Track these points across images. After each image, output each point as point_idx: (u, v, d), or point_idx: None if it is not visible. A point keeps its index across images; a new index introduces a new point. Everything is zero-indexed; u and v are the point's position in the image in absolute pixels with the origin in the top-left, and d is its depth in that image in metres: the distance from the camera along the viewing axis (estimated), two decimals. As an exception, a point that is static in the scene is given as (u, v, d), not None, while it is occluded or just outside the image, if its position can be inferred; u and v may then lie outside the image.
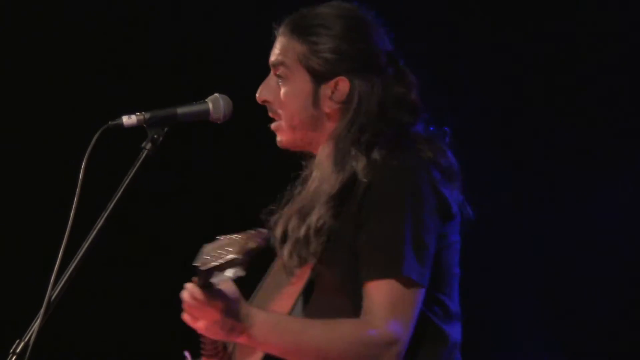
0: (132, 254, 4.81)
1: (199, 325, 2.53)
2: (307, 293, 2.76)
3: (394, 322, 2.57)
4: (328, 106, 2.78)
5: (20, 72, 4.98)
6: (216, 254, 2.45)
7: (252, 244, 2.42)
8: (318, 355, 2.58)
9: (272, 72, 2.85)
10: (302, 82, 2.80)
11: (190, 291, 2.50)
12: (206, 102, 2.84)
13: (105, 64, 4.96)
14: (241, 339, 2.58)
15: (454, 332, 2.70)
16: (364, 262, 2.62)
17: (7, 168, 4.96)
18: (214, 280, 2.46)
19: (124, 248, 4.72)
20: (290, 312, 2.69)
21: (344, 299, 2.66)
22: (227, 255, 2.43)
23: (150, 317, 4.18)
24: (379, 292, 2.58)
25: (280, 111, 2.81)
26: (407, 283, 2.59)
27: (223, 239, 2.49)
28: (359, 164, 2.69)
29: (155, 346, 3.23)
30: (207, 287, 2.47)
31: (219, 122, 2.84)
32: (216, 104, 2.83)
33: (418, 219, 2.64)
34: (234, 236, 2.47)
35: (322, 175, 2.76)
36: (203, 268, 2.44)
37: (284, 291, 2.73)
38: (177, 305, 2.62)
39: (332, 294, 2.70)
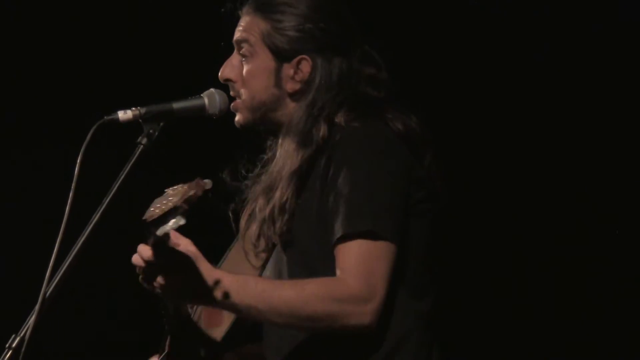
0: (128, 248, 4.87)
1: (156, 286, 2.47)
2: (272, 271, 2.77)
3: (367, 277, 2.52)
4: (290, 86, 2.77)
5: (15, 66, 4.95)
6: (161, 206, 2.41)
7: (192, 192, 2.38)
8: (290, 314, 2.52)
9: (235, 51, 2.83)
10: (265, 60, 2.79)
11: (140, 250, 2.45)
12: (202, 97, 2.84)
13: (101, 57, 4.93)
14: (205, 302, 2.53)
15: (423, 305, 2.66)
16: (333, 223, 2.57)
17: (2, 163, 4.95)
18: (158, 232, 2.39)
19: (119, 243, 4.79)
20: (259, 274, 2.69)
21: (308, 276, 2.61)
22: (169, 204, 2.39)
23: (146, 311, 4.18)
24: (350, 251, 2.54)
25: (242, 90, 2.80)
26: (378, 239, 2.54)
27: (168, 190, 2.47)
28: (321, 133, 2.68)
29: (151, 340, 3.24)
30: (159, 244, 2.42)
31: (214, 117, 2.84)
32: (212, 99, 2.83)
33: (384, 176, 2.61)
34: (177, 186, 2.46)
35: (285, 154, 2.74)
36: (149, 219, 2.39)
37: (251, 258, 2.73)
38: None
39: (296, 271, 2.67)
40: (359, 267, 2.52)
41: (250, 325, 2.74)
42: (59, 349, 4.46)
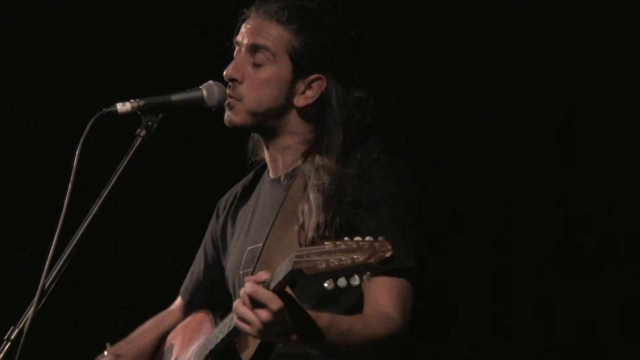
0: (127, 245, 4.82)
1: (254, 328, 2.43)
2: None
3: (404, 314, 2.65)
4: (299, 101, 2.82)
5: (13, 60, 4.94)
6: (332, 259, 2.34)
7: (385, 253, 2.31)
8: (358, 351, 2.60)
9: (244, 53, 2.85)
10: (283, 71, 2.83)
11: (259, 295, 2.40)
12: (200, 89, 2.84)
13: (98, 50, 4.93)
14: (294, 343, 2.52)
15: None
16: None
17: (3, 155, 4.93)
18: (328, 285, 2.32)
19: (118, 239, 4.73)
20: None
21: (312, 294, 2.63)
22: (351, 262, 2.32)
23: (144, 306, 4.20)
24: (390, 286, 2.65)
25: (245, 94, 2.82)
26: (411, 277, 2.69)
27: (329, 243, 2.36)
28: (358, 156, 2.74)
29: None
30: (283, 293, 2.39)
31: (213, 110, 2.84)
32: (210, 91, 2.84)
33: (417, 219, 2.72)
34: (349, 242, 2.35)
35: (320, 169, 2.76)
36: (310, 272, 2.31)
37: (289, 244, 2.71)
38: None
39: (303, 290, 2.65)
40: (399, 304, 2.64)
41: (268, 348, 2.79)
42: (56, 340, 4.44)
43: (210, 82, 2.85)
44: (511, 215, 4.63)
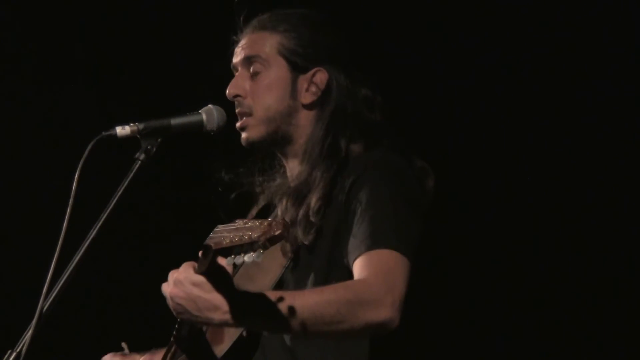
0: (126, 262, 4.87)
1: (177, 302, 2.48)
2: (291, 272, 2.81)
3: (384, 279, 2.55)
4: (305, 98, 2.83)
5: (17, 80, 4.98)
6: (233, 236, 2.41)
7: (275, 231, 2.37)
8: (324, 322, 2.51)
9: (240, 70, 2.88)
10: (281, 70, 2.86)
11: (180, 271, 2.47)
12: (200, 113, 2.86)
13: (99, 72, 4.97)
14: (238, 323, 2.53)
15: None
16: (357, 240, 2.61)
17: (3, 177, 4.96)
18: (227, 261, 2.39)
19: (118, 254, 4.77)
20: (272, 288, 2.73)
21: (323, 280, 2.67)
22: (247, 237, 2.39)
23: (145, 330, 4.22)
24: (371, 262, 2.58)
25: (252, 106, 2.85)
26: (399, 255, 2.58)
27: (239, 222, 2.46)
28: (345, 149, 2.77)
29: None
30: (212, 267, 2.43)
31: (212, 134, 2.85)
32: (210, 115, 2.85)
33: (406, 206, 2.66)
34: (254, 221, 2.44)
35: (313, 163, 2.79)
36: (216, 247, 2.39)
37: (265, 271, 2.76)
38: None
39: (314, 277, 2.72)
40: (380, 270, 2.55)
41: (247, 345, 2.77)
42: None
43: (210, 106, 2.86)
44: (511, 215, 4.66)
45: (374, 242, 2.60)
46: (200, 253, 2.44)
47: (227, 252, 2.39)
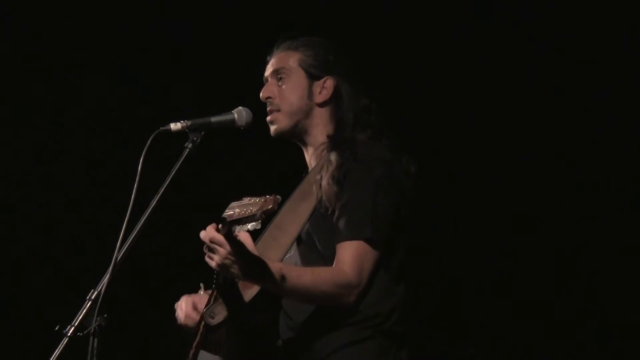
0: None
1: (215, 263, 2.90)
2: (297, 247, 3.22)
3: (359, 271, 3.07)
4: (318, 98, 3.29)
5: (87, 88, 5.38)
6: (240, 210, 2.81)
7: (269, 205, 2.79)
8: (307, 294, 3.04)
9: (270, 79, 3.33)
10: (300, 78, 3.32)
11: (212, 236, 2.86)
12: (232, 113, 3.24)
13: (155, 83, 5.32)
14: (250, 280, 2.98)
15: (399, 289, 3.20)
16: (341, 227, 3.09)
17: (85, 166, 5.41)
18: (236, 229, 2.78)
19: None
20: (281, 259, 3.14)
21: (317, 252, 3.16)
22: (249, 211, 2.79)
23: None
24: (351, 249, 3.07)
25: (280, 104, 3.29)
26: (371, 245, 3.09)
27: (245, 199, 2.86)
28: (349, 145, 3.19)
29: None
30: (229, 236, 2.79)
31: (242, 129, 3.26)
32: (240, 115, 3.25)
33: (384, 195, 3.11)
34: (255, 198, 2.84)
35: (323, 151, 3.23)
36: (229, 219, 2.79)
37: (278, 244, 3.17)
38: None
39: (307, 258, 3.18)
40: (356, 262, 3.06)
41: (273, 296, 3.12)
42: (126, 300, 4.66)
43: (240, 107, 3.26)
44: (511, 216, 4.90)
45: (353, 232, 3.05)
46: (218, 224, 2.84)
47: (236, 222, 2.84)
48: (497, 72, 4.93)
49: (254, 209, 2.79)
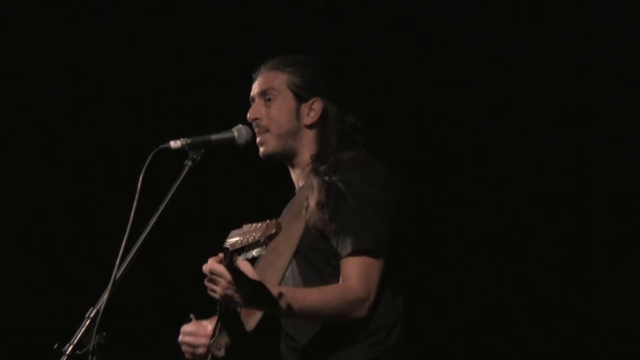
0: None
1: (218, 294, 2.92)
2: (296, 269, 3.20)
3: (367, 285, 3.06)
4: (306, 119, 3.28)
5: (87, 107, 5.38)
6: (242, 238, 2.79)
7: (272, 230, 2.76)
8: (317, 314, 3.04)
9: (257, 99, 3.31)
10: (288, 99, 3.29)
11: (212, 267, 2.88)
12: (232, 131, 3.25)
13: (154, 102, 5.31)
14: (254, 307, 2.99)
15: (399, 302, 3.20)
16: (342, 240, 3.08)
17: (84, 182, 5.39)
18: (241, 257, 2.78)
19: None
20: (280, 281, 3.14)
21: (315, 272, 3.16)
22: (252, 238, 2.78)
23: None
24: (356, 263, 3.06)
25: (268, 124, 3.28)
26: (376, 257, 3.08)
27: (245, 226, 2.85)
28: (336, 163, 3.17)
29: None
30: (230, 265, 2.82)
31: (241, 147, 3.27)
32: (240, 133, 3.26)
33: (383, 204, 3.12)
34: (256, 224, 2.83)
35: (311, 172, 3.21)
36: (232, 248, 2.79)
37: (275, 267, 3.17)
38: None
39: (305, 276, 3.18)
40: (362, 276, 3.06)
41: (274, 320, 3.12)
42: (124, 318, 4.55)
43: (240, 125, 3.26)
44: (511, 216, 4.82)
45: (356, 245, 3.05)
46: (221, 254, 2.86)
47: (240, 251, 2.83)
48: (496, 72, 4.91)
49: (257, 235, 2.78)
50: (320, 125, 3.30)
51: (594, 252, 4.73)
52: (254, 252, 2.79)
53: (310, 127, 3.30)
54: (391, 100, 4.93)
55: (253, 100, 3.37)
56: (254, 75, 3.38)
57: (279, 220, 2.83)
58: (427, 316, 4.68)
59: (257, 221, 2.84)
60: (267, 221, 2.80)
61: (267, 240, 2.77)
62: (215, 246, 2.95)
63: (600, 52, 4.69)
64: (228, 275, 2.87)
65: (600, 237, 4.73)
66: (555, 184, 4.79)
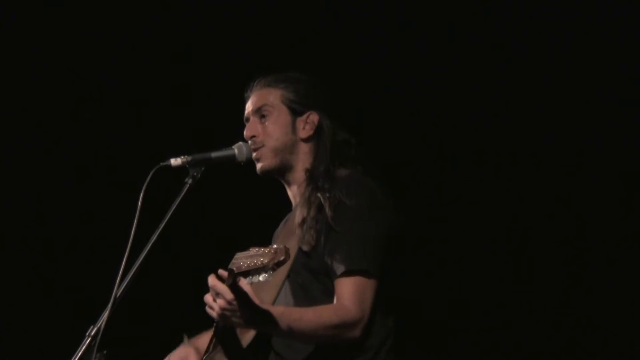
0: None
1: (216, 312, 2.94)
2: (288, 286, 3.22)
3: (361, 305, 3.08)
4: (302, 134, 3.30)
5: (89, 122, 5.36)
6: (249, 261, 2.80)
7: (280, 257, 2.78)
8: (312, 334, 3.06)
9: (252, 117, 3.32)
10: (283, 114, 3.31)
11: (214, 284, 2.90)
12: (232, 148, 3.26)
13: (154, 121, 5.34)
14: (253, 328, 3.02)
15: (389, 322, 3.22)
16: (335, 261, 3.10)
17: (85, 199, 5.37)
18: (247, 280, 2.80)
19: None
20: (275, 299, 3.16)
21: (303, 289, 3.18)
22: (260, 262, 2.79)
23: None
24: (350, 283, 3.08)
25: (264, 140, 3.29)
26: (370, 277, 3.10)
27: (253, 249, 2.84)
28: (332, 178, 3.20)
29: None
30: (234, 286, 2.85)
31: (242, 164, 3.28)
32: (240, 149, 3.27)
33: (375, 226, 3.13)
34: (263, 248, 2.83)
35: (307, 187, 3.23)
36: (238, 270, 2.81)
37: (269, 285, 3.16)
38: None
39: (297, 297, 3.20)
40: (356, 297, 3.08)
41: (266, 338, 3.15)
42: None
43: (240, 142, 3.28)
44: (511, 216, 4.80)
45: (350, 265, 3.07)
46: (222, 271, 2.86)
47: (245, 274, 2.83)
48: (497, 72, 4.90)
49: (265, 260, 2.79)
50: (315, 138, 3.32)
51: (594, 252, 4.73)
52: (261, 277, 2.80)
53: (306, 140, 3.32)
54: (391, 101, 4.95)
55: (247, 119, 3.39)
56: (245, 95, 3.40)
57: (287, 247, 2.85)
58: (427, 316, 4.74)
59: (264, 245, 2.85)
60: (276, 246, 2.81)
61: (275, 266, 2.78)
62: (215, 264, 2.95)
63: (600, 52, 4.71)
64: (228, 295, 2.89)
65: (600, 237, 4.73)
66: (555, 184, 4.80)
